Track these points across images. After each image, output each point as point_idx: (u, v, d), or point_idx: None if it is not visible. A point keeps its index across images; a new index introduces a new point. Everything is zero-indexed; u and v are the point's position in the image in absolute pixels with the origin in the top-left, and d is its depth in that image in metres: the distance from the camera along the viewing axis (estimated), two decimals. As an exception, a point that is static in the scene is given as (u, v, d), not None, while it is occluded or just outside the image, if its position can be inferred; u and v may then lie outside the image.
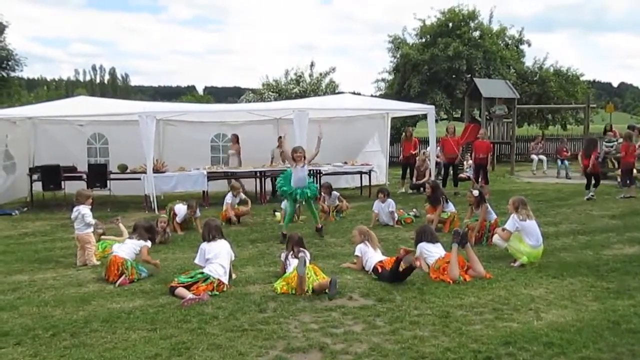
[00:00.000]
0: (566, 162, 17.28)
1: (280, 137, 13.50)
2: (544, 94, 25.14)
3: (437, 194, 8.99)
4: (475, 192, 8.15)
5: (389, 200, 9.55)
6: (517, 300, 5.22)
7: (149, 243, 6.47)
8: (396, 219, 9.52)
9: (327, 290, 5.35)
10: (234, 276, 6.05)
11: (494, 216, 7.94)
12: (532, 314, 4.87)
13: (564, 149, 17.82)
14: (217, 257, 5.78)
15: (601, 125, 20.59)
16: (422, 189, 13.35)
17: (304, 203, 8.70)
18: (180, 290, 5.43)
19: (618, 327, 4.50)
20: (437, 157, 15.49)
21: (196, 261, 5.95)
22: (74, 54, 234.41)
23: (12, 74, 27.33)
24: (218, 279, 5.61)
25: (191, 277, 5.62)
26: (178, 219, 9.15)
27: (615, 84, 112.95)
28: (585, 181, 12.39)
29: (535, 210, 9.48)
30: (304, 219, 9.87)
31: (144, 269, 6.29)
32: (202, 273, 5.64)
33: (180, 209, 9.24)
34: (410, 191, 13.96)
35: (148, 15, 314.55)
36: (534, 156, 18.77)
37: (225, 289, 5.63)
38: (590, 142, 12.89)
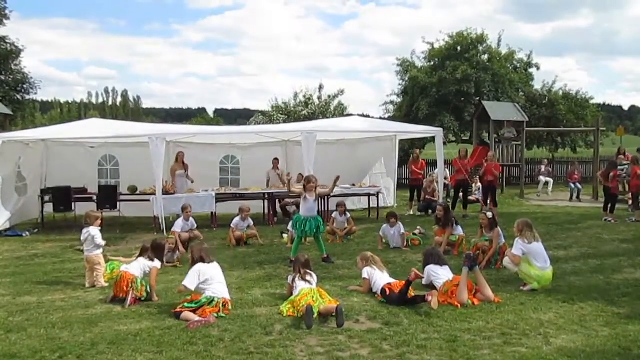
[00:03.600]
0: (578, 185, 17.24)
1: (276, 159, 13.64)
2: (553, 117, 25.08)
3: (448, 217, 8.99)
4: (489, 214, 8.13)
5: (399, 223, 9.58)
6: (526, 325, 5.16)
7: (158, 264, 6.47)
8: (405, 242, 9.51)
9: (333, 314, 5.31)
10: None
11: (502, 241, 7.89)
12: (541, 339, 4.82)
13: (575, 172, 17.78)
14: (214, 279, 5.76)
15: (612, 148, 20.53)
16: (430, 210, 13.35)
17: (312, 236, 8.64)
18: (186, 314, 5.41)
19: (629, 353, 4.44)
20: (446, 179, 15.49)
21: (185, 283, 5.64)
22: (88, 76, 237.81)
23: (27, 97, 27.81)
24: (223, 299, 5.60)
25: (196, 303, 5.58)
26: (176, 228, 9.38)
27: (626, 107, 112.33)
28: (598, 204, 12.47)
29: (545, 234, 9.46)
30: (311, 241, 9.84)
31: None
32: (207, 297, 5.60)
33: (177, 224, 9.52)
34: (419, 213, 13.92)
35: (160, 39, 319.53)
36: (541, 177, 18.78)
37: (230, 307, 5.61)
38: (611, 164, 13.46)
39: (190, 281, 5.66)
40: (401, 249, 9.30)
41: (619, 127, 25.49)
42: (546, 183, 18.49)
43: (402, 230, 9.56)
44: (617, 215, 12.39)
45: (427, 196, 14.09)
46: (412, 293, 5.91)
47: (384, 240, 9.57)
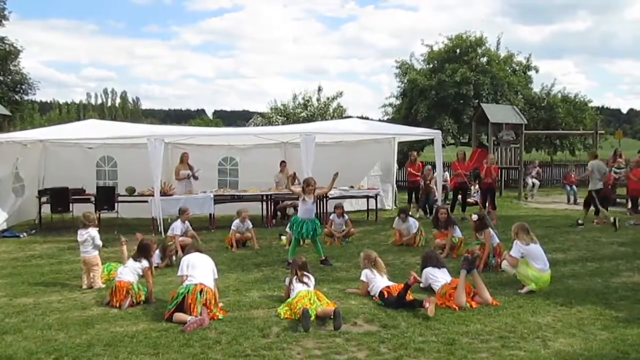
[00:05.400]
0: (574, 188, 17.25)
1: (283, 162, 13.64)
2: (551, 120, 25.10)
3: (450, 219, 9.04)
4: (474, 217, 8.19)
5: (409, 219, 10.00)
6: (524, 328, 5.15)
7: (147, 263, 6.44)
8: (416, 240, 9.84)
9: (331, 317, 5.30)
10: (220, 304, 5.83)
11: (496, 240, 7.90)
12: (539, 342, 4.81)
13: (572, 175, 17.81)
14: (195, 266, 5.84)
15: (611, 151, 20.59)
16: (427, 207, 13.50)
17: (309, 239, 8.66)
18: (178, 316, 5.38)
19: (627, 357, 4.43)
20: (445, 181, 15.48)
21: (178, 273, 5.98)
22: (87, 78, 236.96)
23: (26, 98, 27.79)
24: (199, 284, 5.57)
25: (176, 299, 5.54)
26: (176, 231, 9.33)
27: (624, 111, 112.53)
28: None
29: (543, 237, 9.46)
30: (309, 243, 9.83)
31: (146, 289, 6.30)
32: (183, 287, 5.59)
33: (176, 226, 9.45)
34: (417, 215, 13.89)
35: (159, 41, 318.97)
36: (528, 179, 18.82)
37: (209, 292, 5.57)
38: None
39: (180, 270, 5.96)
40: (399, 251, 9.28)
41: (617, 130, 25.53)
42: (533, 185, 18.57)
43: (414, 229, 9.89)
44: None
45: (427, 182, 14.04)
46: (410, 296, 5.89)
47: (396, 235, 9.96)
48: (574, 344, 4.73)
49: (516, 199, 17.91)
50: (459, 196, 13.71)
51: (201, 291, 5.51)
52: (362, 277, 6.42)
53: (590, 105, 26.89)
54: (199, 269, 5.80)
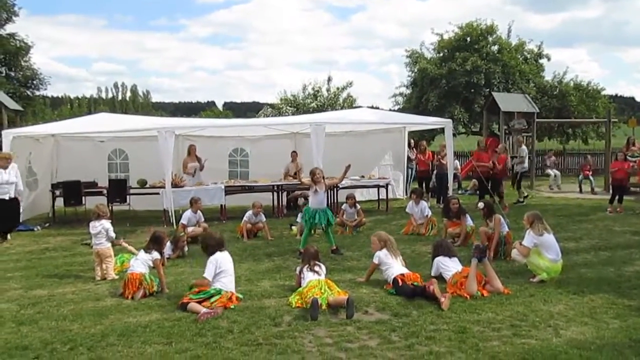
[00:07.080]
0: (591, 177, 17.16)
1: (294, 152, 13.64)
2: (563, 108, 24.84)
3: (461, 209, 9.05)
4: (480, 205, 8.26)
5: (422, 201, 10.21)
6: (536, 317, 5.13)
7: (157, 255, 6.45)
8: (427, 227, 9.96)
9: (343, 306, 5.32)
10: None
11: (506, 229, 7.87)
12: (551, 330, 4.79)
13: (588, 165, 17.78)
14: (226, 272, 5.77)
15: (624, 140, 20.35)
16: (439, 195, 13.50)
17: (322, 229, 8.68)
18: (193, 305, 5.42)
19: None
20: (456, 169, 15.40)
21: (206, 275, 5.69)
22: (97, 72, 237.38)
23: (37, 93, 28.00)
24: (230, 292, 5.63)
25: (205, 294, 5.56)
26: (184, 220, 9.47)
27: (638, 99, 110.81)
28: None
29: (555, 225, 9.38)
30: (320, 233, 9.85)
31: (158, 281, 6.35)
32: (215, 289, 5.60)
33: (186, 216, 9.55)
34: (429, 204, 13.79)
35: (168, 34, 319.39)
36: (549, 171, 18.72)
37: (234, 301, 5.61)
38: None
39: (209, 272, 5.67)
40: (409, 240, 9.27)
41: (631, 118, 25.15)
42: (555, 176, 18.44)
43: (428, 212, 10.04)
44: (629, 207, 12.27)
45: (440, 158, 13.96)
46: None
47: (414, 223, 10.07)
48: (586, 333, 4.71)
49: (528, 188, 17.75)
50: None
51: (229, 298, 5.58)
52: (375, 260, 6.41)
53: (603, 93, 26.55)
54: (229, 276, 5.76)
